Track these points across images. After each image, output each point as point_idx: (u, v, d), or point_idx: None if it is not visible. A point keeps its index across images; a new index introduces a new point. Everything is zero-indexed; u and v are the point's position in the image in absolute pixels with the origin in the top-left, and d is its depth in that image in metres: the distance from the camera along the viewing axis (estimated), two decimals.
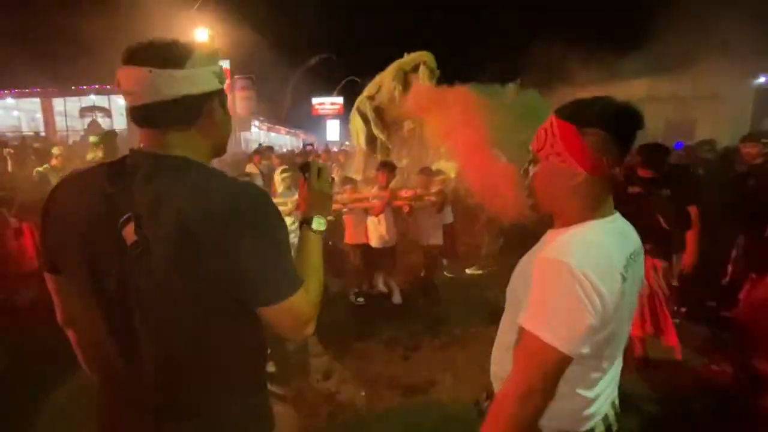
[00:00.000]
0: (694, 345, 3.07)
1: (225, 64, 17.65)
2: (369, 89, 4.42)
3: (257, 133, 23.48)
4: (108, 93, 18.61)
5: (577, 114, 0.86)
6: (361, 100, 4.64)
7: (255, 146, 18.88)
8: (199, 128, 0.81)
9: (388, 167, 4.21)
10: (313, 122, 29.58)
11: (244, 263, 0.72)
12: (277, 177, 4.09)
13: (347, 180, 4.47)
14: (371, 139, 4.46)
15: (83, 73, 16.52)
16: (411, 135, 4.87)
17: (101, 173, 0.77)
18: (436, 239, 4.38)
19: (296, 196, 4.02)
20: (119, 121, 18.77)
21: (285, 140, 28.38)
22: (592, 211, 0.87)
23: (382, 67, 4.36)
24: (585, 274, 0.74)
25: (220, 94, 0.84)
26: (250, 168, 6.33)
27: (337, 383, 2.75)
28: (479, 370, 2.87)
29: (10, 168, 4.71)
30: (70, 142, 17.03)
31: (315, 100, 27.13)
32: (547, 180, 0.90)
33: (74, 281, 0.78)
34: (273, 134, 26.46)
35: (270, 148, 8.05)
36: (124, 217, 0.71)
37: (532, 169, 0.93)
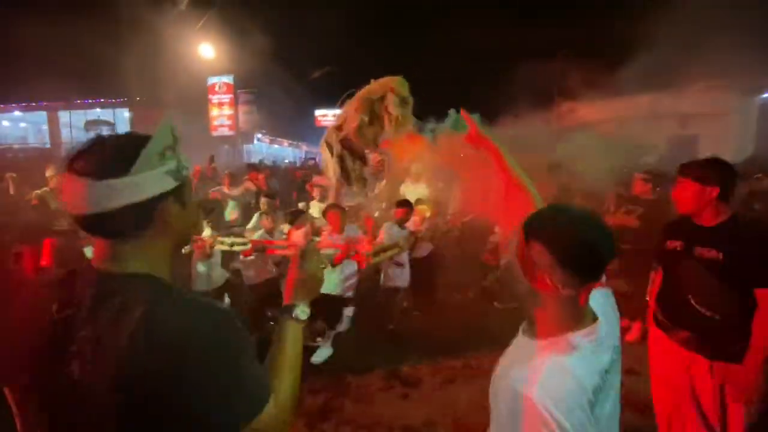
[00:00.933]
0: None
1: (228, 80, 17.89)
2: (337, 119, 4.27)
3: (259, 146, 23.63)
4: (112, 106, 18.86)
5: (527, 222, 0.88)
6: (329, 131, 4.41)
7: (257, 159, 19.01)
8: (152, 234, 0.75)
9: (336, 208, 3.84)
10: (315, 134, 29.79)
11: (196, 404, 0.66)
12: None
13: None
14: (343, 171, 4.28)
15: (88, 88, 16.71)
16: (380, 167, 4.72)
17: (54, 290, 0.73)
18: (400, 281, 3.98)
19: (260, 231, 3.88)
20: None
21: (287, 152, 28.55)
22: (559, 323, 0.87)
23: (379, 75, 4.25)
24: (549, 411, 0.75)
25: (177, 192, 0.76)
26: (219, 193, 5.49)
27: (335, 426, 2.67)
28: (481, 411, 2.80)
29: (12, 191, 4.71)
30: None
31: (318, 112, 27.34)
32: (514, 281, 0.92)
33: (30, 404, 0.72)
34: (276, 146, 26.62)
35: (264, 168, 7.89)
36: (70, 350, 0.66)
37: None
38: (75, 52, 13.40)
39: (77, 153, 0.71)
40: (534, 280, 0.85)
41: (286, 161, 19.68)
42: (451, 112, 1.77)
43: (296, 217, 3.88)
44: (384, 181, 5.58)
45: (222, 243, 3.64)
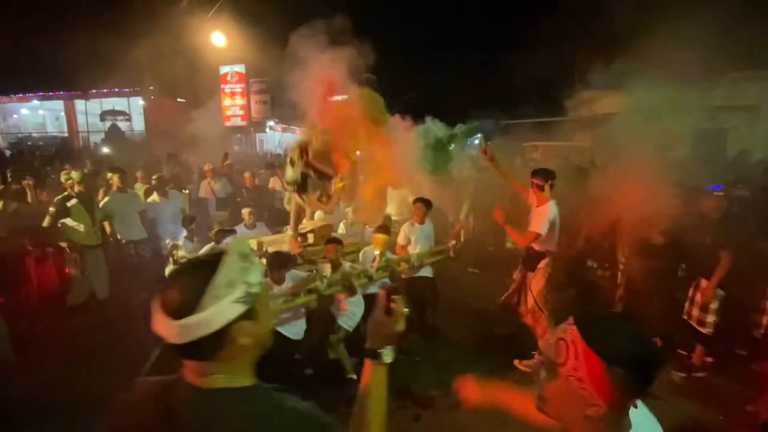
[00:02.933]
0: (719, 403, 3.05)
1: (240, 69, 17.74)
2: (303, 134, 4.28)
3: (272, 135, 23.56)
4: (127, 95, 18.94)
5: (605, 349, 0.84)
6: (293, 147, 4.24)
7: (271, 148, 18.90)
8: (226, 356, 0.82)
9: (335, 242, 3.53)
10: None
11: None
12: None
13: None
14: (314, 188, 4.12)
15: (103, 77, 16.76)
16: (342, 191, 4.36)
17: (154, 402, 0.82)
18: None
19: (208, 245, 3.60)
20: (138, 123, 19.12)
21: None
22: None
23: (396, 65, 4.22)
24: None
25: (247, 314, 0.82)
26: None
27: None
28: None
29: (30, 199, 4.76)
30: (91, 142, 17.49)
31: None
32: (563, 399, 0.89)
33: None
34: (288, 134, 26.56)
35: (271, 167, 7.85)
36: None
37: (546, 377, 0.91)
38: (90, 43, 13.43)
39: (166, 291, 0.79)
40: (608, 401, 0.83)
41: None
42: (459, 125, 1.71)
43: (223, 236, 3.43)
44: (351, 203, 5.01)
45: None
